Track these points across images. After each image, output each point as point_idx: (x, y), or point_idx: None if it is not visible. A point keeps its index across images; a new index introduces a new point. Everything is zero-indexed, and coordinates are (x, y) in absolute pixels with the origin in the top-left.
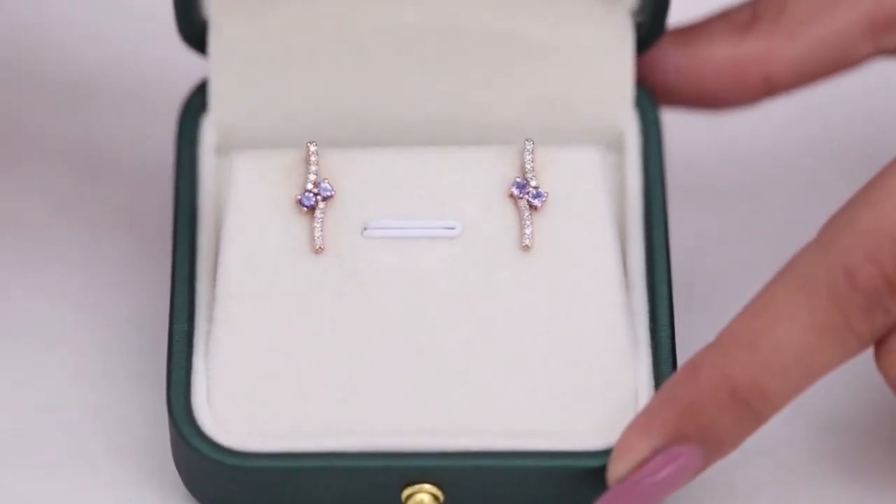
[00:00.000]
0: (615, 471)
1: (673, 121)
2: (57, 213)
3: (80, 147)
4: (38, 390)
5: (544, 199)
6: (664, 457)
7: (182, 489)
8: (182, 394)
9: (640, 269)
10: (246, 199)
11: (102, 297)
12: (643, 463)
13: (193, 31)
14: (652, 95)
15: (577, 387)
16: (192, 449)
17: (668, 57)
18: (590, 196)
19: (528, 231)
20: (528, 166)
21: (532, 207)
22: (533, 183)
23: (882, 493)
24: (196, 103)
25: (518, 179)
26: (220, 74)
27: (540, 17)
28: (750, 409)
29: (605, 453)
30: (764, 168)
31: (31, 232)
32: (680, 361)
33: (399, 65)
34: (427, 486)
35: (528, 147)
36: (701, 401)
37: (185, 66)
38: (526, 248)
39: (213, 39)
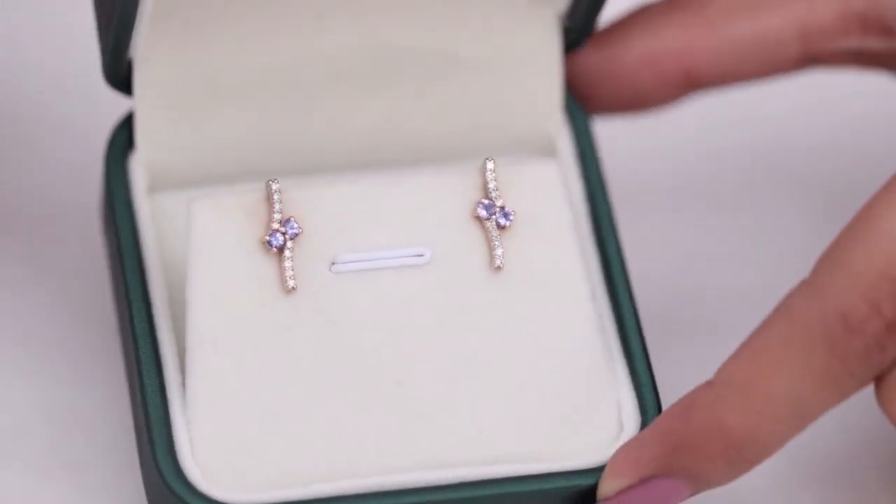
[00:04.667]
0: (603, 490)
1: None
2: (48, 211)
3: None
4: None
5: (513, 218)
6: (651, 486)
7: None
8: (167, 450)
9: (599, 280)
10: (209, 244)
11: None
12: (631, 487)
13: (119, 73)
14: (576, 99)
15: (561, 407)
16: None
17: (585, 62)
18: (553, 211)
19: (499, 252)
20: (492, 185)
21: (501, 227)
22: (499, 203)
23: None
24: (120, 141)
25: (484, 201)
26: (146, 113)
27: (466, 30)
28: (742, 455)
29: (597, 471)
30: (697, 174)
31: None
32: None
33: (330, 88)
34: None
35: (490, 167)
36: (692, 443)
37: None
38: (498, 268)
39: (138, 78)
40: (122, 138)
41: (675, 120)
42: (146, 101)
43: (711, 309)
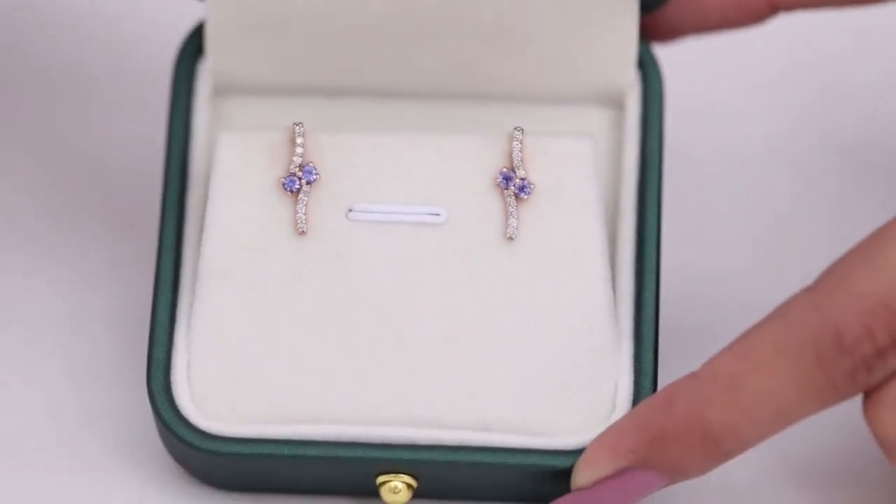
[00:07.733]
0: (578, 479)
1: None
2: (49, 212)
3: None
4: (33, 389)
5: (531, 191)
6: (627, 476)
7: (175, 480)
8: (161, 371)
9: (630, 252)
10: (230, 180)
11: (96, 295)
12: (606, 478)
13: None
14: (655, 57)
15: (556, 383)
16: (167, 428)
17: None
18: (579, 188)
19: (512, 222)
20: (516, 156)
21: (518, 199)
22: (520, 174)
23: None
24: (191, 48)
25: (505, 170)
26: (216, 19)
27: None
28: (720, 449)
29: (573, 453)
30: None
31: (23, 229)
32: (661, 354)
33: (398, 19)
34: (402, 475)
35: (518, 136)
36: (672, 434)
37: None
38: (510, 239)
39: None
40: (193, 46)
41: (748, 107)
42: (216, 8)
43: (728, 311)
